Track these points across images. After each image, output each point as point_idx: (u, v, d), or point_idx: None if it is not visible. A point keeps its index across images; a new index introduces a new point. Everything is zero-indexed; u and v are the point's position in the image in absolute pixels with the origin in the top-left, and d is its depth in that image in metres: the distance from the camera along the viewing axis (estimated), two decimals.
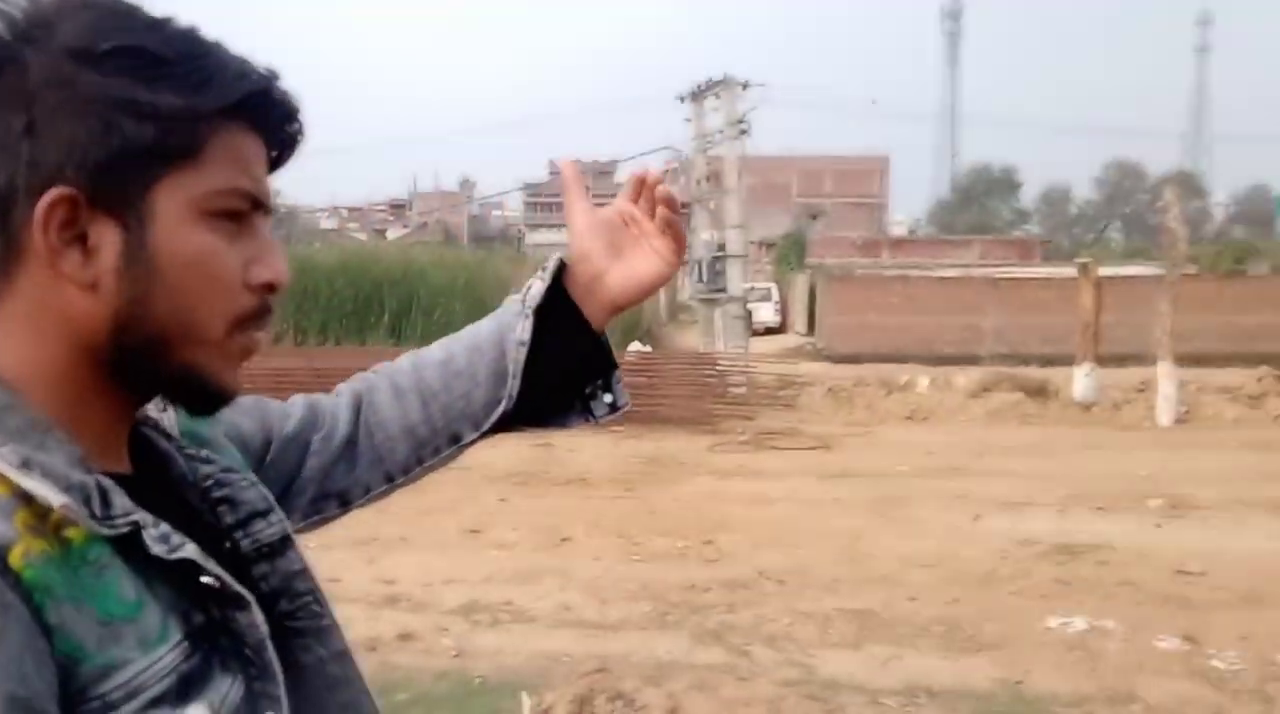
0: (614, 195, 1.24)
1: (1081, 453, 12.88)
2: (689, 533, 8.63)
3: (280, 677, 0.86)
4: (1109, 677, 5.45)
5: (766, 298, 38.28)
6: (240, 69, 0.82)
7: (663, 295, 47.19)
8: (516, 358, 1.15)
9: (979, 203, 77.81)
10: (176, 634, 0.77)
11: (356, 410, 1.18)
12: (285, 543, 0.97)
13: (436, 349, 1.22)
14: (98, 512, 0.75)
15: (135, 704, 0.73)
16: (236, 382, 0.87)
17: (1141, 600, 6.70)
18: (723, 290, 20.74)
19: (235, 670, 0.81)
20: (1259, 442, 13.68)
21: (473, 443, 1.20)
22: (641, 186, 1.21)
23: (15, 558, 0.70)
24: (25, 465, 0.74)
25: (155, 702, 0.74)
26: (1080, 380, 16.40)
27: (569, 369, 1.20)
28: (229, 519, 0.94)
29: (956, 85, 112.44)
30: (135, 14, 0.80)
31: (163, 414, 0.95)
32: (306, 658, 0.94)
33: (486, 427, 1.19)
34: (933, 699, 5.25)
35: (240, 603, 0.83)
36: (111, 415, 0.85)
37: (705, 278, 20.96)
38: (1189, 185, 73.16)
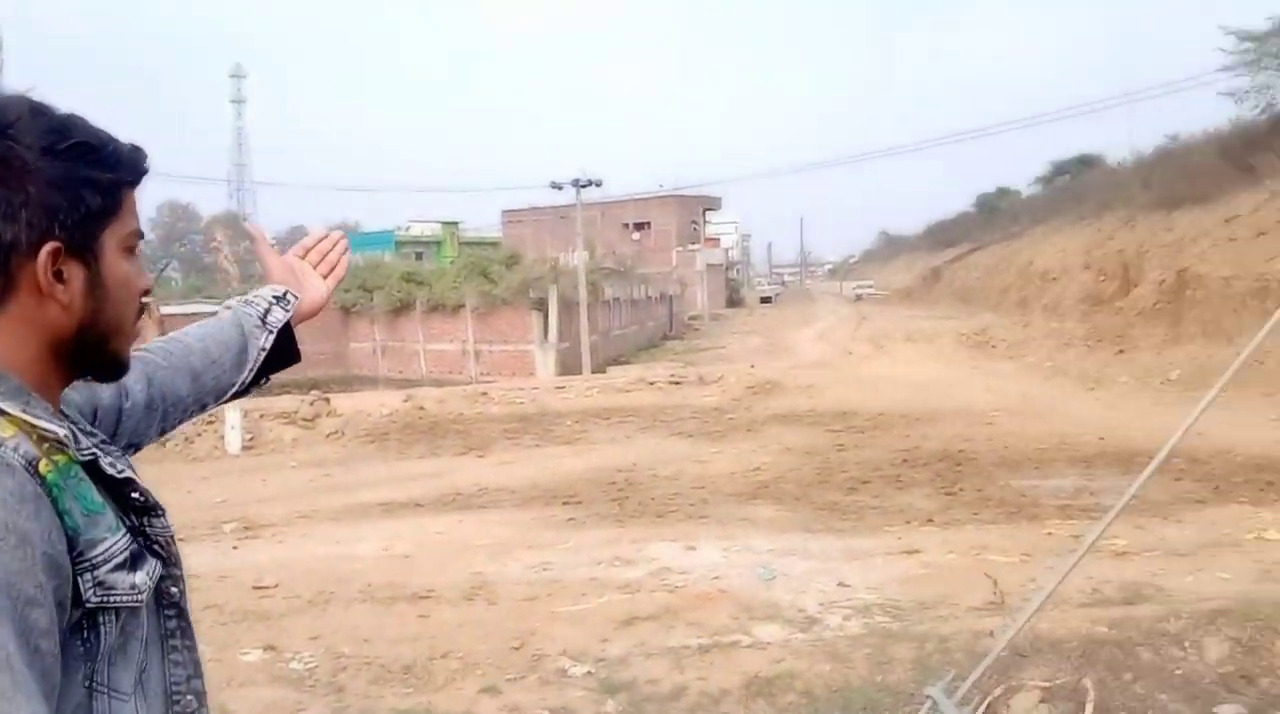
0: None
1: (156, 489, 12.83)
2: None
3: (182, 564, 1.31)
4: None
5: None
6: (131, 149, 1.23)
7: None
8: (257, 358, 1.65)
9: None
10: (122, 528, 1.18)
11: (149, 382, 1.54)
12: None
13: (194, 340, 1.64)
14: (73, 445, 1.14)
15: (109, 566, 1.13)
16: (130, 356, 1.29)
17: (225, 620, 6.93)
18: None
19: (155, 556, 1.23)
20: (315, 459, 14.86)
21: (209, 409, 1.68)
22: (317, 243, 1.82)
23: (43, 467, 1.08)
24: (26, 411, 1.11)
25: (119, 566, 1.14)
26: None
27: (269, 358, 1.69)
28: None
29: None
30: (66, 119, 1.17)
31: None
32: None
33: (224, 399, 1.67)
34: None
35: (157, 511, 1.27)
36: (57, 391, 1.23)
37: None
38: (236, 226, 76.20)
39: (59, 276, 1.14)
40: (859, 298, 76.57)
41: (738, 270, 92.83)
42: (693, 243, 70.85)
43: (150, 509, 1.25)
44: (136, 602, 1.17)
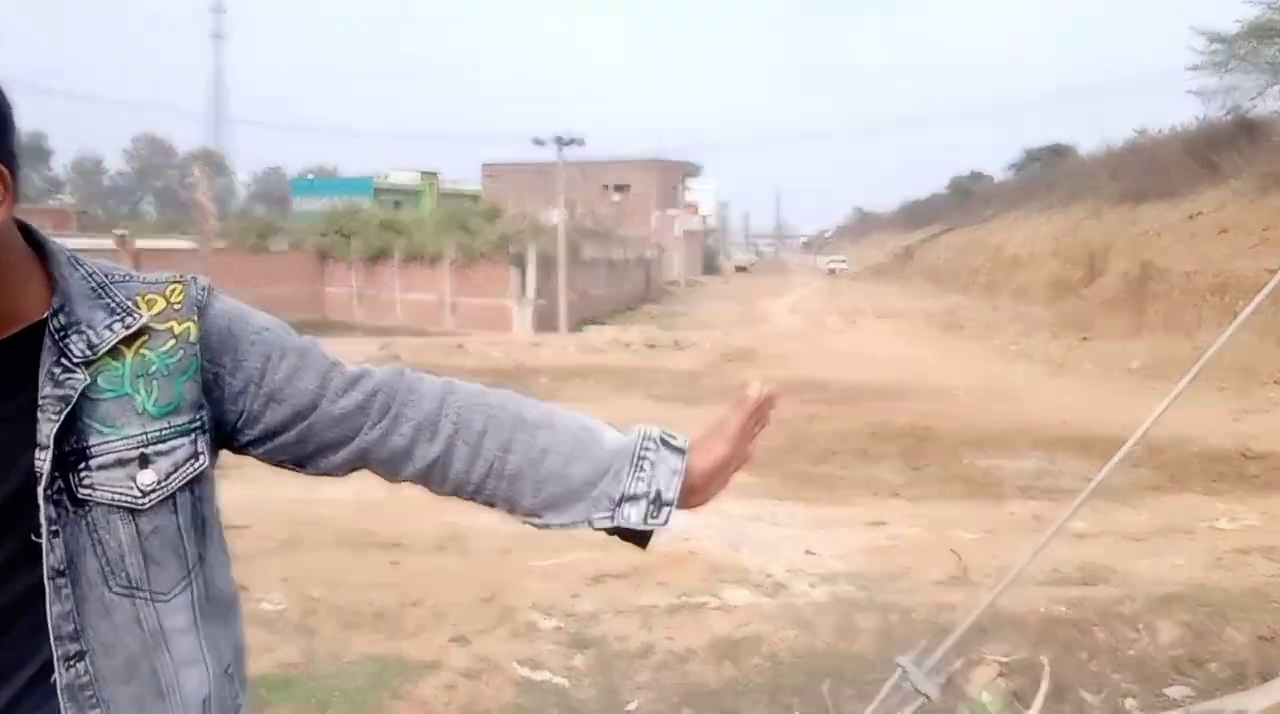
0: None
1: None
2: None
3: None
4: None
5: None
6: None
7: None
8: (589, 522, 1.37)
9: None
10: None
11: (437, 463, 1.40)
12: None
13: (540, 446, 1.41)
14: None
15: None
16: None
17: None
18: None
19: None
20: None
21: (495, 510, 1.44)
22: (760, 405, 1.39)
23: None
24: None
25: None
26: None
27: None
28: None
29: None
30: None
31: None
32: None
33: (535, 522, 1.43)
34: None
35: None
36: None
37: None
38: (214, 164, 74.98)
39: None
40: (832, 272, 76.63)
41: (715, 238, 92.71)
42: (672, 208, 70.59)
43: None
44: None
